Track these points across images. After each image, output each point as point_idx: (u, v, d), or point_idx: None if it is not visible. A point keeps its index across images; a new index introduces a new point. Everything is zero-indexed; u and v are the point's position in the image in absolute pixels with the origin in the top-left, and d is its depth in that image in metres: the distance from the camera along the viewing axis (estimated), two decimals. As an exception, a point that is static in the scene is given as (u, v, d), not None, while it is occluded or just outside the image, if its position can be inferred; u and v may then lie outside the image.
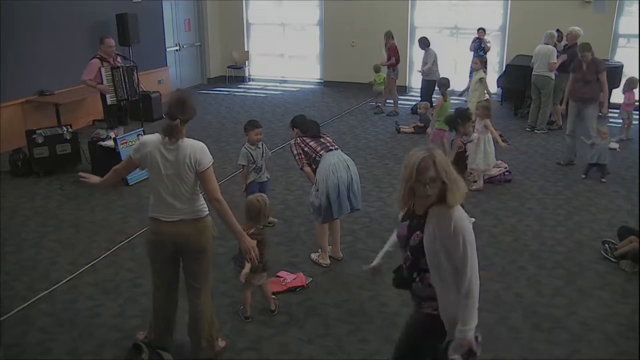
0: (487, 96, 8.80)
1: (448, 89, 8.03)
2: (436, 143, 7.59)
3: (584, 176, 7.24)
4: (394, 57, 10.50)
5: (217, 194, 3.41)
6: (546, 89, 9.11)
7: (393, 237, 2.97)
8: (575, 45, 9.19)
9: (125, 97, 7.71)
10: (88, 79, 7.50)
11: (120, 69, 7.59)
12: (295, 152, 5.00)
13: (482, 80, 8.64)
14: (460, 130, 6.00)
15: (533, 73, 9.21)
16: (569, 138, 7.68)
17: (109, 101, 7.58)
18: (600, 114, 7.59)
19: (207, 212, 3.56)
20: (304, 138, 5.00)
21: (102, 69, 7.47)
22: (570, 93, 7.59)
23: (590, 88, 7.33)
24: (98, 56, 7.57)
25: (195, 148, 3.38)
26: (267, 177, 5.75)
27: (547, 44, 9.06)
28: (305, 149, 4.94)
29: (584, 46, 7.44)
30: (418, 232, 2.62)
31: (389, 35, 10.58)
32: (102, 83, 7.49)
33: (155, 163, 3.40)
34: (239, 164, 5.65)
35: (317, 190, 4.83)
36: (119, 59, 7.84)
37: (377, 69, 10.79)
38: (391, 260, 3.03)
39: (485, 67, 11.19)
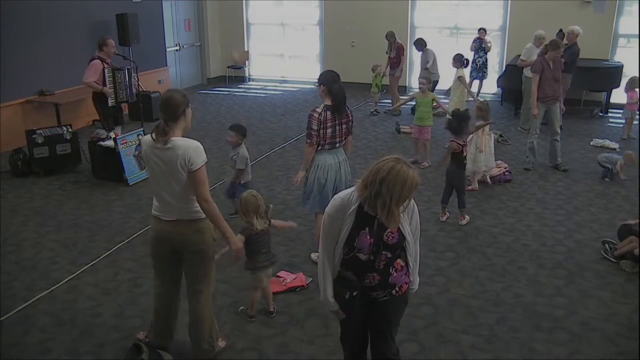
0: (467, 95, 8.91)
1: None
2: (419, 138, 7.78)
3: (607, 179, 7.23)
4: (398, 57, 10.59)
5: (207, 195, 3.35)
6: (524, 87, 9.16)
7: (326, 270, 2.89)
8: (576, 44, 9.20)
9: (126, 99, 7.72)
10: (93, 80, 7.43)
11: (123, 71, 7.58)
12: (314, 127, 4.67)
13: (461, 79, 8.65)
14: (465, 133, 6.00)
15: None
16: (536, 141, 7.56)
17: (110, 102, 7.57)
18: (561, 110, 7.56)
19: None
20: (327, 115, 4.68)
21: (106, 71, 7.45)
22: (543, 94, 7.28)
23: (559, 86, 7.34)
24: (97, 57, 7.55)
25: (189, 148, 3.33)
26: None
27: (534, 44, 9.13)
28: (321, 131, 4.70)
29: (557, 43, 7.27)
30: (392, 230, 2.78)
31: (393, 35, 10.63)
32: (105, 85, 7.47)
33: (151, 163, 3.42)
34: (239, 168, 5.67)
35: (308, 172, 4.90)
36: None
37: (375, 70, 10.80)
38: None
39: (486, 68, 11.26)
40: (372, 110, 10.75)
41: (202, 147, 3.38)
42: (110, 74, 7.49)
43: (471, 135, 6.69)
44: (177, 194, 3.40)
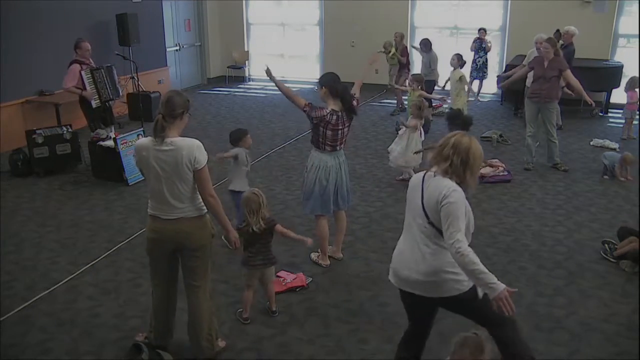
0: (468, 95, 8.96)
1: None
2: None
3: (606, 177, 7.25)
4: (406, 58, 10.57)
5: (212, 191, 3.50)
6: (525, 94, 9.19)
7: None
8: (572, 44, 9.20)
9: (110, 97, 7.68)
10: (72, 85, 7.45)
11: (101, 70, 7.55)
12: (314, 114, 4.62)
13: (462, 79, 8.66)
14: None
15: None
16: (530, 139, 7.53)
17: (94, 104, 7.51)
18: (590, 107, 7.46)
19: (206, 209, 3.58)
20: (332, 119, 4.64)
21: (83, 72, 7.39)
22: (531, 90, 7.32)
23: (551, 86, 7.15)
24: (75, 60, 7.54)
25: (192, 147, 3.39)
26: None
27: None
28: (321, 129, 4.66)
29: (549, 41, 7.21)
30: None
31: (401, 36, 10.61)
32: (84, 88, 7.42)
33: (152, 166, 3.40)
34: (232, 154, 5.31)
35: (307, 173, 4.87)
36: (90, 59, 7.79)
37: (389, 45, 10.56)
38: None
39: (486, 68, 11.26)
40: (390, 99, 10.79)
41: (202, 145, 3.47)
42: (89, 75, 7.43)
43: (403, 129, 6.98)
44: (182, 194, 3.43)
